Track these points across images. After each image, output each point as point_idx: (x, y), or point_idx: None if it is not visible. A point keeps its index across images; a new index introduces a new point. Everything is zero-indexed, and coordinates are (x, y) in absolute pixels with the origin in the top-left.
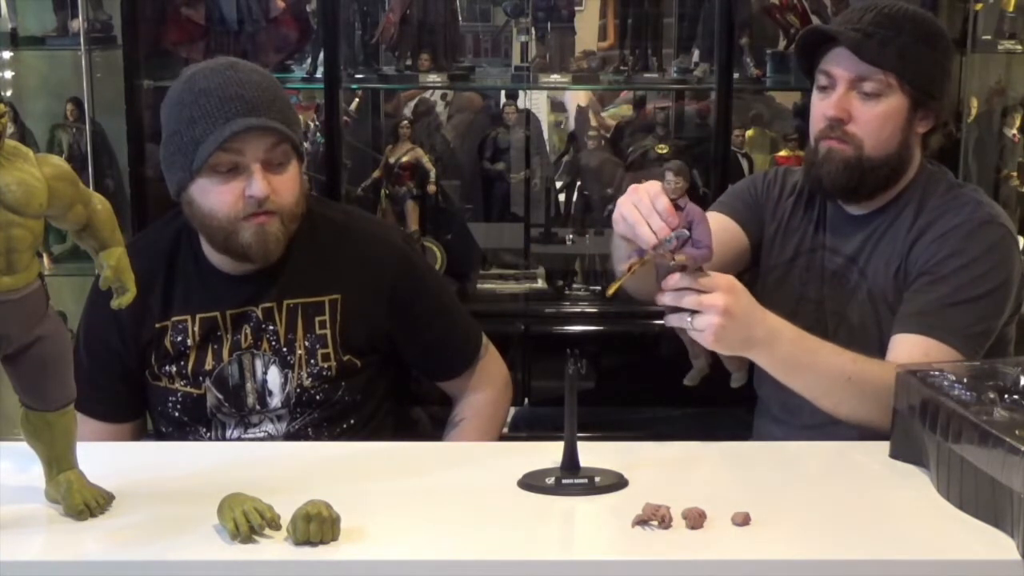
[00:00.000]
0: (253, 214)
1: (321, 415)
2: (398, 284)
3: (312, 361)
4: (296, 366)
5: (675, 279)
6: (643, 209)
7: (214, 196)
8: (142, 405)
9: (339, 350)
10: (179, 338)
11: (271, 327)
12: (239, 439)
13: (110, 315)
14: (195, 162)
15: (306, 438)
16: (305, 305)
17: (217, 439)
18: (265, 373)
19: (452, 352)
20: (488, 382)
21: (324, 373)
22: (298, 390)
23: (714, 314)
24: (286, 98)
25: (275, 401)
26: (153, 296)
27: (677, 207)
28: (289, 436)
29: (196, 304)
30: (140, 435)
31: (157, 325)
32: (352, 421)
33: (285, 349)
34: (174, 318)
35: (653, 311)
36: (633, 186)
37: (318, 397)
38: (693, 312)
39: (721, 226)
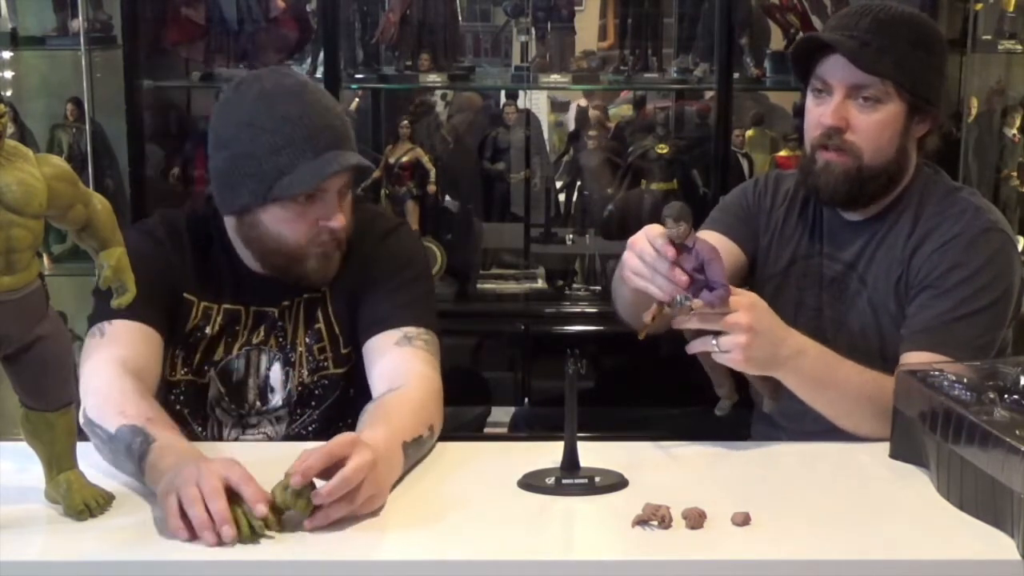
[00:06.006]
0: (322, 242)
1: (319, 416)
2: (372, 252)
3: (310, 356)
4: (297, 363)
5: (696, 304)
6: (648, 260)
7: (288, 225)
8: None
9: (333, 341)
10: (203, 324)
11: (281, 324)
12: (236, 440)
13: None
14: (274, 191)
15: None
16: (309, 301)
17: (213, 439)
18: (268, 369)
19: (386, 305)
20: (407, 377)
21: (321, 365)
22: (299, 387)
23: (740, 332)
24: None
25: (276, 399)
26: (186, 267)
27: (685, 248)
28: (288, 439)
29: (225, 295)
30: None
31: (186, 295)
32: (349, 421)
33: (288, 346)
34: (203, 304)
35: None
36: (632, 239)
37: (316, 392)
38: (717, 335)
39: (717, 246)
